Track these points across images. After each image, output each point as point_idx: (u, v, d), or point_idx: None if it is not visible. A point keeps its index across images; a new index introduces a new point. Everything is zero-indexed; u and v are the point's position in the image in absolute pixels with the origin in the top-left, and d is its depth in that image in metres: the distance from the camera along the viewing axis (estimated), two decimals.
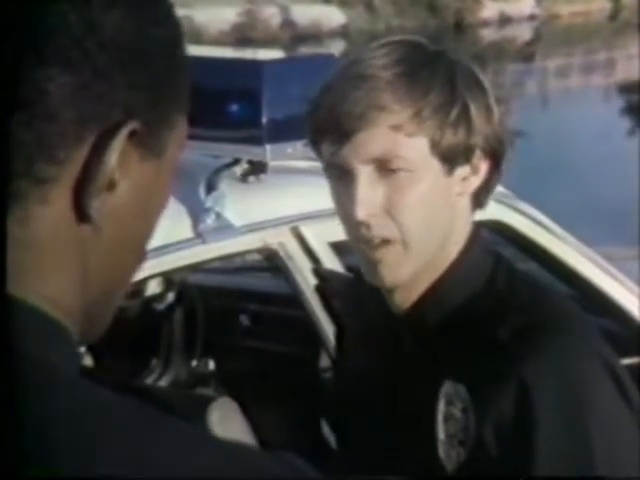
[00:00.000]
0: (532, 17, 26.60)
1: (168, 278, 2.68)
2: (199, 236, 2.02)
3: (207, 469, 0.58)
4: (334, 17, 22.52)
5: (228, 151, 2.10)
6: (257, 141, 2.09)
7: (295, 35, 20.58)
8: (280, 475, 0.60)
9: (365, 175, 1.21)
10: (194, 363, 2.79)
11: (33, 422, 0.56)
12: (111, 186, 0.62)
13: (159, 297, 2.74)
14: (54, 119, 0.60)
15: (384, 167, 1.20)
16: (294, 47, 18.72)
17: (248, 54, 2.67)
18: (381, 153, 1.20)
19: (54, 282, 0.62)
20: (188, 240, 2.00)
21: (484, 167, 1.25)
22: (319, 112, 1.23)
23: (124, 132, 0.62)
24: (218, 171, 2.09)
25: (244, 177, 2.18)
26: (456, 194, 1.25)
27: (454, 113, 1.21)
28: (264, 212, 2.18)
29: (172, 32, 0.66)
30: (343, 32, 21.99)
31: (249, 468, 0.59)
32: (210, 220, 2.04)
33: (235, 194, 2.11)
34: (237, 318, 2.92)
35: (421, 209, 1.22)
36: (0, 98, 0.59)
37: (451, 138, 1.21)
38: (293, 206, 2.23)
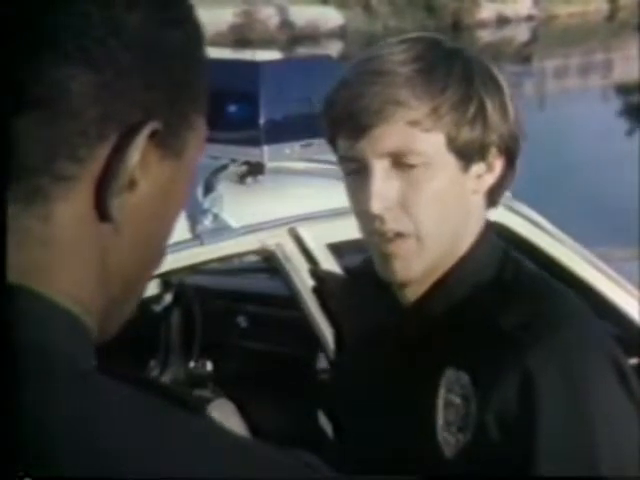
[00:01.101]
0: (530, 18, 26.60)
1: (165, 279, 2.68)
2: (197, 237, 2.02)
3: (224, 468, 0.58)
4: (331, 18, 22.52)
5: (226, 152, 2.10)
6: (255, 142, 2.09)
7: (293, 36, 20.58)
8: (297, 474, 0.60)
9: (380, 169, 1.22)
10: (191, 364, 2.78)
11: (43, 417, 0.56)
12: (131, 185, 0.63)
13: (156, 298, 2.74)
14: (76, 117, 0.61)
15: (400, 161, 1.21)
16: (292, 48, 18.73)
17: (246, 55, 2.67)
18: (397, 147, 1.21)
19: (74, 279, 0.63)
20: (186, 241, 2.00)
21: (499, 165, 1.26)
22: (336, 106, 1.24)
23: (145, 131, 0.63)
24: (215, 172, 2.09)
25: (242, 178, 2.18)
26: (471, 191, 1.26)
27: (471, 110, 1.22)
28: (262, 213, 2.17)
29: (192, 33, 0.67)
30: (340, 33, 22.00)
31: (267, 467, 0.60)
32: (207, 221, 2.04)
33: (232, 195, 2.11)
34: (235, 319, 2.92)
35: (436, 204, 1.22)
36: (24, 96, 0.60)
37: (467, 135, 1.22)
38: (291, 207, 2.23)
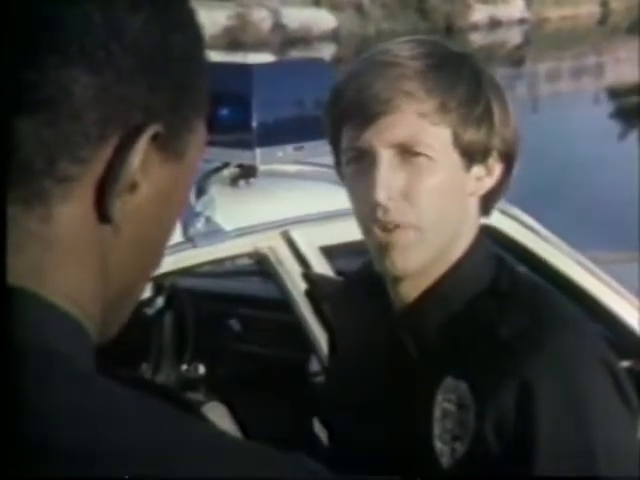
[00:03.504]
0: (522, 21, 26.64)
1: (158, 282, 2.67)
2: (189, 240, 2.02)
3: (226, 469, 0.58)
4: (324, 20, 22.52)
5: (218, 155, 2.10)
6: (247, 145, 2.09)
7: (286, 38, 20.58)
8: (299, 476, 0.60)
9: (387, 159, 1.22)
10: (184, 367, 2.78)
11: (43, 419, 0.56)
12: (132, 187, 0.63)
13: (149, 302, 2.73)
14: (78, 119, 0.61)
15: (406, 152, 1.22)
16: (284, 50, 18.73)
17: (238, 58, 2.67)
18: (405, 138, 1.21)
19: (74, 280, 0.63)
20: (178, 244, 1.99)
21: (498, 169, 1.28)
22: (344, 96, 1.24)
23: (147, 134, 0.63)
24: (208, 175, 2.09)
25: (234, 181, 2.18)
26: (469, 193, 1.27)
27: (478, 110, 1.23)
28: (254, 216, 2.17)
29: (193, 37, 0.67)
30: (333, 36, 22.01)
31: (269, 468, 0.60)
32: (200, 224, 2.04)
33: (225, 198, 2.10)
34: (227, 322, 2.92)
35: (438, 197, 1.23)
36: (26, 97, 0.60)
37: (473, 134, 1.23)
38: (283, 210, 2.23)
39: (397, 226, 1.23)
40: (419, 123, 1.21)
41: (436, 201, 1.23)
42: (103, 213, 0.63)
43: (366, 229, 1.26)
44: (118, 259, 0.65)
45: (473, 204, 1.28)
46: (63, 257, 0.62)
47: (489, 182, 1.28)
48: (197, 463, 0.57)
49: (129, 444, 0.57)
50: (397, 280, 1.28)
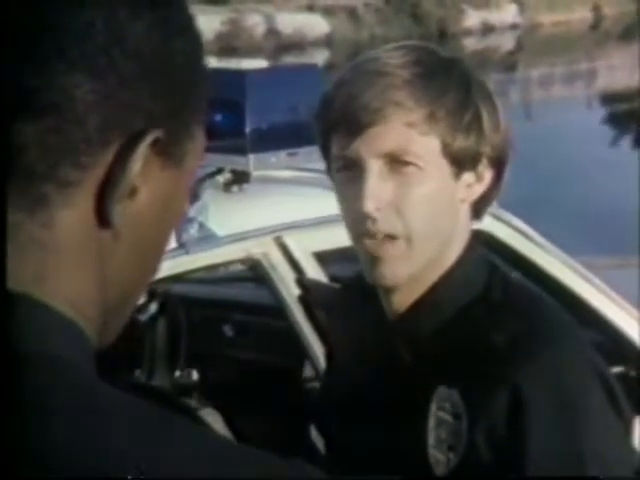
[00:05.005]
0: (514, 26, 26.70)
1: (151, 289, 2.67)
2: (182, 246, 2.02)
3: (224, 472, 0.58)
4: (318, 26, 22.55)
5: (212, 161, 2.10)
6: (241, 151, 2.09)
7: (279, 44, 20.59)
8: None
9: (376, 169, 1.22)
10: (177, 374, 2.77)
11: (44, 423, 0.57)
12: (132, 193, 0.63)
13: (142, 308, 2.73)
14: (80, 124, 0.61)
15: (395, 162, 1.22)
16: (278, 56, 18.74)
17: (232, 64, 2.67)
18: (394, 148, 1.21)
19: (74, 285, 0.63)
20: (171, 250, 1.99)
21: (488, 176, 1.27)
22: (333, 105, 1.24)
23: (148, 140, 0.63)
24: (201, 181, 2.09)
25: (227, 187, 2.18)
26: (459, 200, 1.27)
27: (467, 118, 1.23)
28: (247, 222, 2.17)
29: (193, 43, 0.67)
30: (327, 41, 22.04)
31: (267, 472, 0.60)
32: (193, 230, 2.03)
33: (218, 204, 2.10)
34: (220, 328, 2.91)
35: (427, 207, 1.23)
36: (29, 103, 0.60)
37: (462, 142, 1.23)
38: (276, 216, 2.23)
39: (386, 237, 1.22)
40: (408, 133, 1.21)
41: (426, 211, 1.23)
42: (103, 218, 0.63)
43: (356, 239, 1.26)
44: (117, 264, 0.65)
45: (464, 211, 1.28)
46: (64, 262, 0.63)
47: (479, 188, 1.27)
48: (196, 466, 0.57)
49: (129, 447, 0.57)
50: (388, 289, 1.27)
